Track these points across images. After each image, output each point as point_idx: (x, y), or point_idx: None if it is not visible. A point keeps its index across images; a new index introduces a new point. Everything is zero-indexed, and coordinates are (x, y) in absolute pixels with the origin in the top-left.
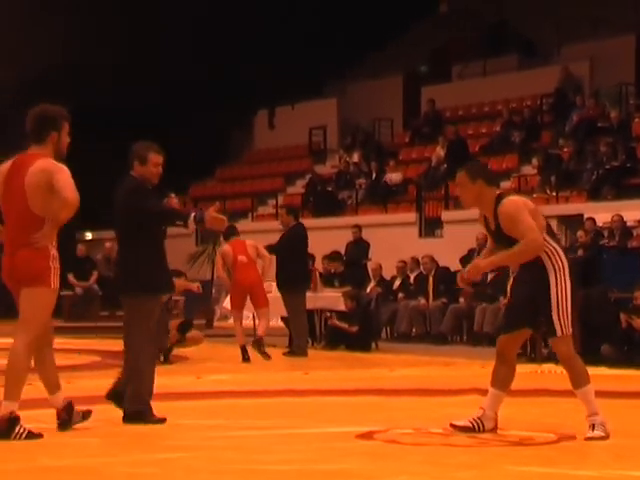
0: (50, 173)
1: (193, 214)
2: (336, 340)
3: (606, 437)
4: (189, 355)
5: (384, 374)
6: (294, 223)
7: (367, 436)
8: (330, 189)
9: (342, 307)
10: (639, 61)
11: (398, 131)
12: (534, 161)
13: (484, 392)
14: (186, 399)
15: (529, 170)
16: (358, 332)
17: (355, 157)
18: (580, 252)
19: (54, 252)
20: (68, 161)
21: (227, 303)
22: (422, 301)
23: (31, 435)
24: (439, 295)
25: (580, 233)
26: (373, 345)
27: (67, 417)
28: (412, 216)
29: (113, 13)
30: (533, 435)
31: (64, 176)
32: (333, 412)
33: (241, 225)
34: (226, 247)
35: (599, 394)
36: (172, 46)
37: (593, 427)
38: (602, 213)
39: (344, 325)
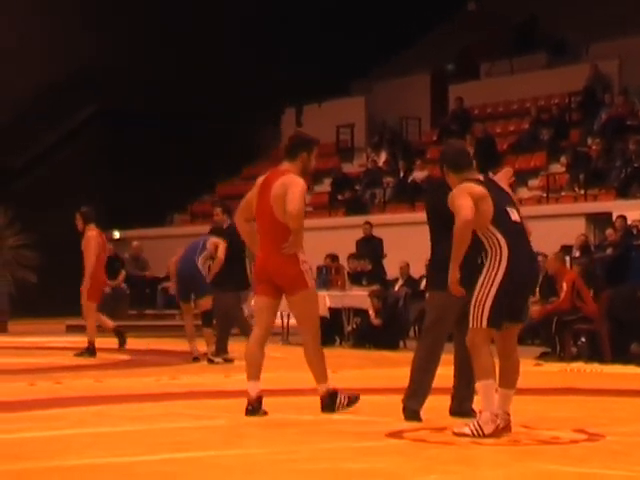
0: (287, 186)
1: None
2: (364, 339)
3: (477, 436)
4: None
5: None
6: (229, 223)
7: (397, 435)
8: (357, 188)
9: (369, 306)
10: None
11: (426, 129)
12: (563, 159)
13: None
14: (215, 397)
15: (558, 168)
16: (385, 330)
17: (382, 156)
18: (609, 250)
19: (303, 257)
20: (95, 161)
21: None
22: None
23: (351, 401)
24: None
25: (609, 231)
26: (401, 344)
27: (330, 402)
28: None
29: (138, 16)
30: (562, 434)
31: (296, 189)
32: (362, 410)
33: None
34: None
35: (629, 393)
36: (203, 46)
37: (473, 424)
38: (631, 211)
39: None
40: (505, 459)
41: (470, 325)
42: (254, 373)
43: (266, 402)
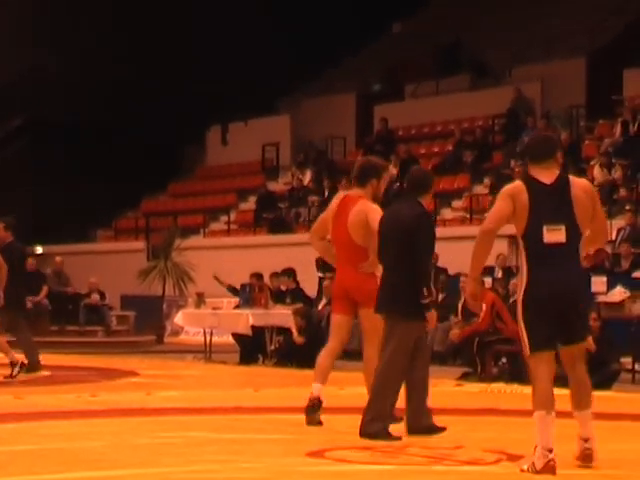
0: (366, 213)
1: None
2: (287, 357)
3: (533, 472)
4: (139, 370)
5: (334, 392)
6: (11, 239)
7: (318, 454)
8: (282, 206)
9: (292, 325)
10: (589, 83)
11: (351, 149)
12: (486, 181)
13: (435, 411)
14: (135, 415)
15: (481, 189)
16: (308, 349)
17: (308, 174)
18: None
19: (379, 275)
20: (18, 175)
21: (179, 319)
22: None
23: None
24: None
25: None
26: None
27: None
28: None
29: (67, 28)
30: (484, 455)
31: (376, 216)
32: (283, 430)
33: (193, 241)
34: None
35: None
36: (125, 62)
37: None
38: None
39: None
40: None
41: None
42: (320, 378)
43: (182, 420)
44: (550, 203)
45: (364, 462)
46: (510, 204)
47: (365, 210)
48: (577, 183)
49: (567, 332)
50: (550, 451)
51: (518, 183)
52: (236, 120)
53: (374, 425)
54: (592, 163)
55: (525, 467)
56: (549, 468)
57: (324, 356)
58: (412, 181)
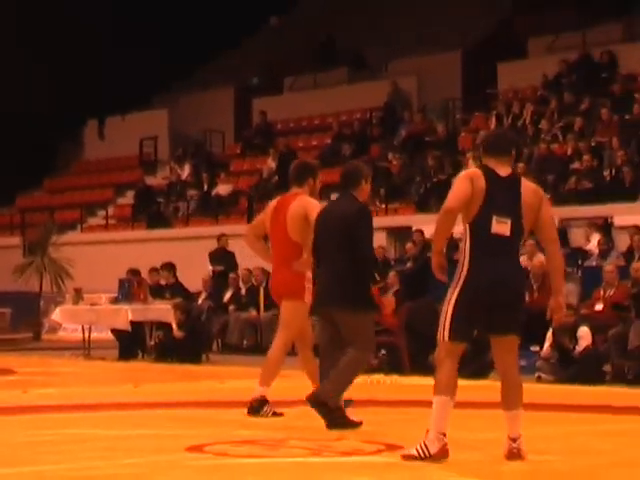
0: (305, 206)
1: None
2: (166, 352)
3: (423, 457)
4: (15, 368)
5: (214, 386)
6: None
7: (197, 449)
8: (161, 200)
9: (171, 319)
10: (465, 77)
11: (229, 143)
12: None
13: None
14: (11, 414)
15: None
16: (188, 343)
17: (186, 169)
18: (409, 264)
19: (309, 275)
20: None
21: (56, 315)
22: (253, 312)
23: (275, 414)
24: (270, 307)
25: (409, 245)
26: (204, 357)
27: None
28: (243, 228)
29: None
30: (363, 446)
31: (315, 209)
32: (162, 425)
33: (70, 236)
34: None
35: (428, 403)
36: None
37: (420, 444)
38: (430, 225)
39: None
40: (306, 472)
41: (437, 338)
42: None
43: (60, 418)
44: (502, 195)
45: (244, 456)
46: (469, 187)
47: (304, 204)
48: (527, 184)
49: (497, 322)
50: (444, 435)
51: (476, 170)
52: (113, 114)
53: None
54: (468, 155)
55: (413, 451)
56: (443, 452)
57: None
58: (344, 177)
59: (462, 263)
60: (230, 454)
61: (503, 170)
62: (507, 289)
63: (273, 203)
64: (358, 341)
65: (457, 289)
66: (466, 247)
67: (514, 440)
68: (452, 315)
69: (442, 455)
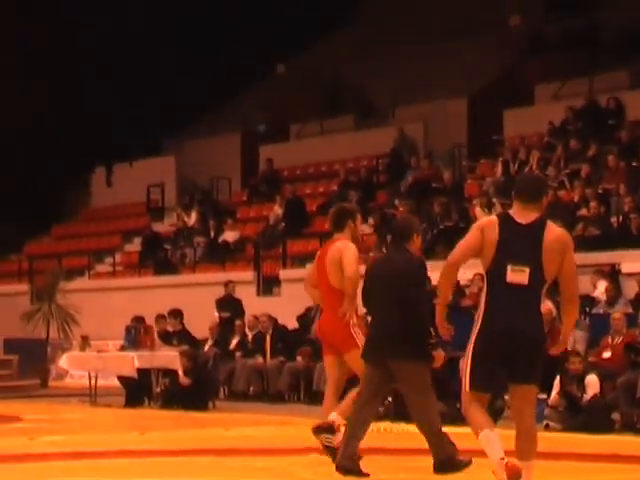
0: (341, 251)
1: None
2: (173, 400)
3: None
4: (22, 415)
5: (220, 433)
6: None
7: None
8: (168, 247)
9: (178, 366)
10: (471, 123)
11: (236, 189)
12: (370, 220)
13: (322, 451)
14: (17, 461)
15: (366, 229)
16: (194, 391)
17: (193, 215)
18: None
19: (354, 320)
20: None
21: (63, 362)
22: (260, 359)
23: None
24: (277, 353)
25: None
26: (210, 404)
27: None
28: (250, 275)
29: None
30: None
31: (349, 253)
32: (168, 472)
33: (77, 283)
34: None
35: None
36: (6, 102)
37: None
38: (436, 272)
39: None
40: None
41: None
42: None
43: (66, 465)
44: (519, 243)
45: None
46: (479, 237)
47: (340, 248)
48: (553, 229)
49: (516, 371)
50: (502, 458)
51: (493, 218)
52: (121, 161)
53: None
54: (474, 202)
55: None
56: (511, 469)
57: (326, 402)
58: (394, 232)
59: (479, 313)
60: None
61: (527, 216)
62: (525, 338)
63: (319, 251)
64: (414, 391)
65: (474, 339)
66: (483, 295)
67: None
68: (471, 365)
69: (513, 474)
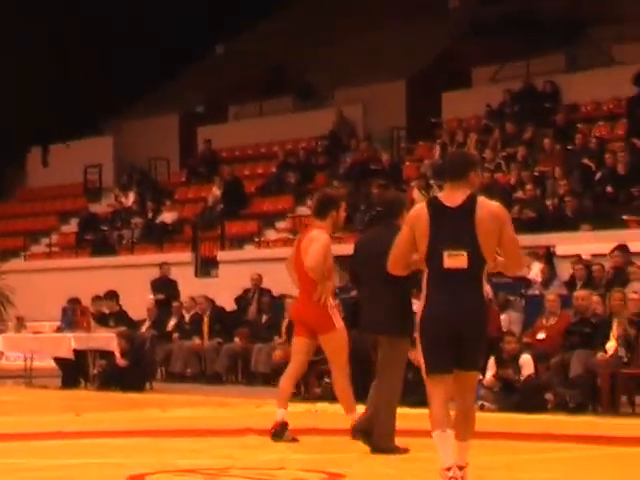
0: (311, 241)
1: None
2: (110, 381)
3: None
4: None
5: (157, 415)
6: None
7: (139, 478)
8: (105, 228)
9: (115, 348)
10: (409, 106)
11: (174, 170)
12: (309, 202)
13: (259, 432)
14: None
15: (304, 211)
16: (132, 372)
17: (131, 196)
18: (353, 292)
19: (331, 302)
20: None
21: (0, 344)
22: (197, 341)
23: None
24: (214, 335)
25: None
26: (147, 386)
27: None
28: (188, 256)
29: None
30: (306, 475)
31: (317, 244)
32: (105, 454)
33: (13, 264)
34: None
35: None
36: None
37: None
38: None
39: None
40: None
41: None
42: (282, 402)
43: (4, 447)
44: (451, 228)
45: None
46: (410, 234)
47: (313, 237)
48: (485, 205)
49: (459, 357)
50: (448, 469)
51: (420, 207)
52: (57, 141)
53: (387, 441)
54: (412, 184)
55: None
56: None
57: (285, 380)
58: (384, 206)
59: (421, 298)
60: None
61: (455, 197)
62: (466, 324)
63: (299, 236)
64: (388, 371)
65: (418, 325)
66: (423, 283)
67: (461, 468)
68: (423, 352)
69: None
